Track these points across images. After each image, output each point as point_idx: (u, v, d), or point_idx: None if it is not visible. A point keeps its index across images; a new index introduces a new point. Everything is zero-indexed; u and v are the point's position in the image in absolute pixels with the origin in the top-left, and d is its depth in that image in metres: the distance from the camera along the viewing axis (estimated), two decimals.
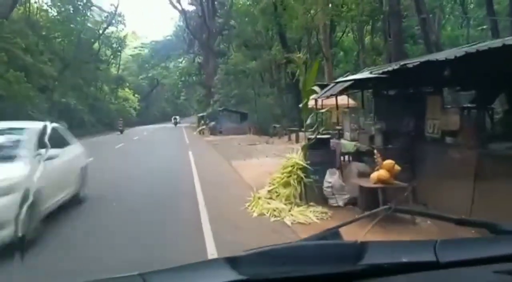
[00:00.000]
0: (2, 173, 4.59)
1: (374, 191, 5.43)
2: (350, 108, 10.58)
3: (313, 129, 7.26)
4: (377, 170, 5.53)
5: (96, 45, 46.67)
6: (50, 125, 6.07)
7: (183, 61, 63.37)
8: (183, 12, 50.11)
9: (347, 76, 9.25)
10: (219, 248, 4.56)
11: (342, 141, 8.37)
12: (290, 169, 6.46)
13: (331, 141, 7.67)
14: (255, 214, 6.04)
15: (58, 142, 6.26)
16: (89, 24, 43.54)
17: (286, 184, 6.40)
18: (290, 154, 7.16)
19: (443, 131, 5.89)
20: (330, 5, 20.65)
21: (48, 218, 5.43)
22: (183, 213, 6.61)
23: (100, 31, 45.60)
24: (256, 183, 8.11)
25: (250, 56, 33.45)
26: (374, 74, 6.33)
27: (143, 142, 26.35)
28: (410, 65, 5.03)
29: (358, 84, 8.12)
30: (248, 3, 32.24)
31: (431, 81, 6.90)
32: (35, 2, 36.87)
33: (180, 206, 7.14)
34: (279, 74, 31.65)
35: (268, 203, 6.20)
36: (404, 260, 0.95)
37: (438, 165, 5.69)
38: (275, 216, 5.84)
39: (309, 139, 6.73)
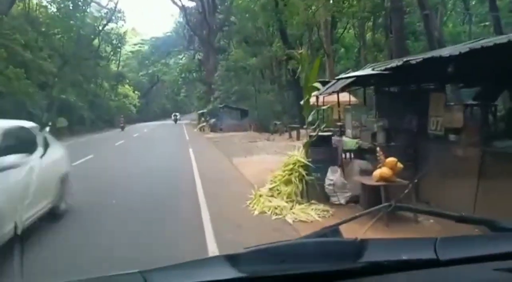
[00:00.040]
0: None
1: (377, 188, 5.38)
2: (351, 105, 10.49)
3: (314, 126, 7.20)
4: (380, 167, 5.47)
5: (96, 41, 46.48)
6: (14, 124, 5.26)
7: (183, 58, 63.20)
8: (183, 8, 49.95)
9: (348, 73, 9.18)
10: (220, 246, 4.52)
11: (344, 138, 8.31)
12: (291, 166, 6.41)
13: (333, 138, 7.61)
14: (256, 212, 6.00)
15: (27, 145, 5.26)
16: (88, 21, 43.35)
17: (288, 182, 6.35)
18: (291, 151, 7.12)
19: (446, 129, 5.82)
20: (331, 1, 20.53)
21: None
22: (184, 211, 6.57)
23: (100, 28, 45.39)
24: (257, 180, 8.07)
25: (250, 53, 33.33)
26: (377, 71, 6.26)
27: (143, 139, 26.32)
28: (413, 62, 4.96)
29: (360, 81, 8.04)
30: None
31: (434, 78, 6.82)
32: None
33: (181, 204, 7.10)
34: (279, 71, 31.54)
35: (270, 201, 6.15)
36: (404, 257, 0.95)
37: (441, 163, 5.64)
38: (277, 214, 5.79)
39: (310, 136, 6.67)
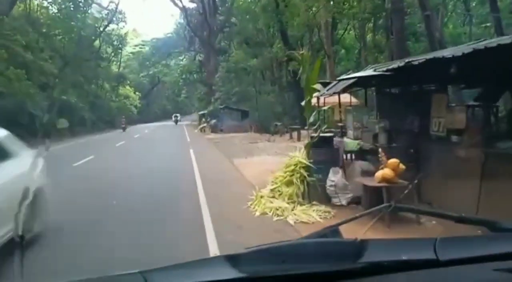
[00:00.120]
0: None
1: (379, 190, 5.36)
2: (353, 106, 10.48)
3: (315, 127, 7.18)
4: (382, 168, 5.45)
5: (96, 42, 46.54)
6: None
7: (184, 59, 63.25)
8: (184, 9, 49.97)
9: (349, 74, 9.17)
10: (221, 247, 4.51)
11: (345, 139, 8.29)
12: (293, 167, 6.38)
13: (334, 139, 7.59)
14: (257, 213, 5.98)
15: None
16: (89, 22, 43.40)
17: (289, 183, 6.33)
18: (291, 152, 7.10)
19: (448, 130, 5.81)
20: (331, 2, 20.54)
21: None
22: (185, 212, 6.55)
23: (101, 29, 45.45)
24: (258, 181, 8.05)
25: (251, 54, 33.35)
26: (378, 72, 6.24)
27: (144, 140, 26.34)
28: (416, 62, 4.95)
29: (361, 82, 8.03)
30: (249, 0, 32.12)
31: (435, 79, 6.80)
32: None
33: (182, 205, 7.09)
34: (280, 72, 31.55)
35: (271, 202, 6.13)
36: (404, 258, 0.95)
37: (443, 164, 5.62)
38: (278, 215, 5.78)
39: (312, 137, 6.66)
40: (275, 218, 5.73)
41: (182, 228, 5.59)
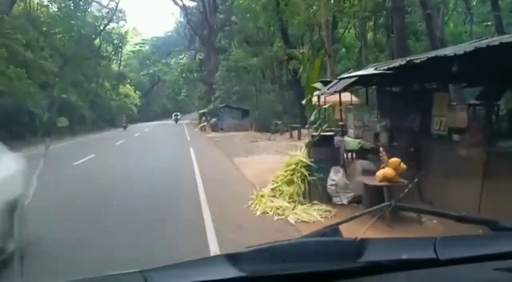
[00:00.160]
0: None
1: (380, 189, 5.33)
2: (353, 105, 10.46)
3: (315, 126, 7.16)
4: (383, 167, 5.43)
5: (97, 41, 46.51)
6: None
7: (184, 58, 63.20)
8: (184, 8, 49.93)
9: (350, 72, 9.14)
10: (222, 247, 4.49)
11: (346, 138, 8.27)
12: (293, 166, 6.37)
13: (335, 138, 7.57)
14: (258, 212, 5.96)
15: None
16: (89, 20, 43.35)
17: (290, 182, 6.31)
18: (292, 151, 7.08)
19: (449, 129, 5.78)
20: (332, 0, 20.48)
21: None
22: (185, 211, 6.54)
23: (101, 27, 45.40)
24: (258, 180, 8.03)
25: (251, 53, 33.30)
26: (379, 70, 6.22)
27: (144, 139, 26.34)
28: (417, 61, 4.92)
29: (362, 81, 8.00)
30: None
31: (437, 78, 6.78)
32: None
33: (182, 205, 7.07)
34: (280, 71, 31.51)
35: (272, 201, 6.11)
36: (404, 257, 0.95)
37: (444, 163, 5.59)
38: (279, 215, 5.76)
39: (312, 136, 6.63)
40: (276, 217, 5.72)
41: (182, 227, 5.58)
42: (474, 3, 26.50)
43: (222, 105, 34.01)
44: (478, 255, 0.95)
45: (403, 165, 5.33)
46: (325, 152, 6.65)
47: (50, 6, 38.55)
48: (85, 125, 37.13)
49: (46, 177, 10.71)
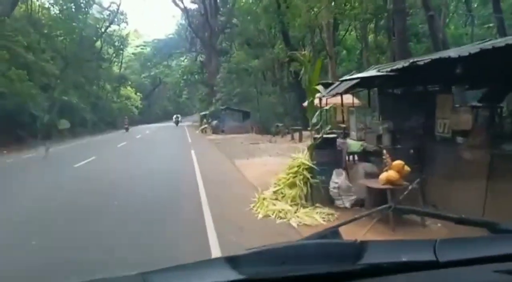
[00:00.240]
0: None
1: (383, 192, 5.28)
2: (355, 107, 10.40)
3: (317, 128, 7.11)
4: (386, 170, 5.38)
5: (98, 43, 46.59)
6: None
7: (185, 60, 63.26)
8: (185, 10, 50.00)
9: (352, 74, 9.10)
10: (223, 250, 4.44)
11: (348, 140, 8.22)
12: (296, 169, 6.31)
13: (337, 140, 7.51)
14: (260, 216, 5.90)
15: None
16: (91, 22, 43.45)
17: (292, 185, 6.26)
18: (293, 153, 7.04)
19: (453, 131, 5.73)
20: (333, 3, 20.48)
21: None
22: (186, 213, 6.49)
23: (102, 30, 45.49)
24: (260, 183, 7.99)
25: (252, 55, 33.29)
26: (382, 72, 6.17)
27: (145, 141, 26.32)
28: (421, 63, 4.87)
29: (364, 83, 7.96)
30: (250, 1, 32.10)
31: (439, 80, 6.74)
32: (37, 0, 36.80)
33: (183, 206, 7.03)
34: (281, 73, 31.49)
35: (274, 204, 6.06)
36: (404, 259, 0.95)
37: (448, 165, 5.54)
38: (281, 218, 5.70)
39: (315, 139, 6.58)
40: (278, 221, 5.66)
41: (183, 229, 5.53)
42: (475, 5, 26.47)
43: (223, 108, 33.96)
44: (478, 257, 0.94)
45: (407, 168, 5.28)
46: (327, 155, 6.60)
47: (52, 8, 38.65)
48: (86, 128, 37.16)
49: (46, 179, 10.75)
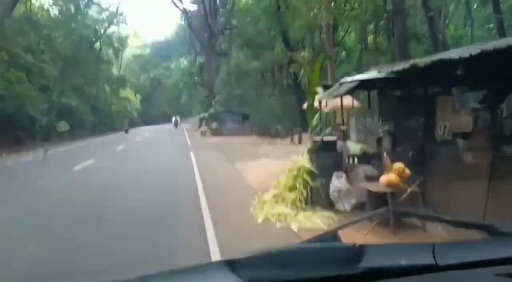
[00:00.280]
0: None
1: (384, 195, 5.23)
2: (355, 109, 10.36)
3: (317, 130, 7.07)
4: (386, 173, 5.32)
5: (97, 44, 46.59)
6: None
7: (185, 61, 63.26)
8: (184, 11, 50.00)
9: (352, 75, 9.04)
10: (223, 254, 4.39)
11: (348, 142, 8.16)
12: (296, 172, 6.26)
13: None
14: (260, 219, 5.85)
15: None
16: (90, 23, 43.46)
17: (292, 188, 6.21)
18: (293, 155, 6.98)
19: (454, 133, 5.68)
20: (333, 3, 20.44)
21: None
22: (185, 217, 6.45)
23: (102, 31, 45.50)
24: (259, 185, 7.94)
25: (252, 56, 33.25)
26: (382, 73, 6.12)
27: (144, 143, 26.28)
28: (422, 64, 4.83)
29: (364, 84, 7.90)
30: (250, 2, 32.09)
31: (440, 81, 6.68)
32: (36, 1, 36.83)
33: (183, 211, 6.98)
34: (281, 75, 31.43)
35: (274, 208, 6.01)
36: (403, 263, 0.95)
37: (449, 168, 5.49)
38: (281, 221, 5.65)
39: (315, 141, 6.53)
40: (278, 224, 5.61)
41: (182, 233, 5.48)
42: (475, 6, 26.47)
43: (222, 110, 33.93)
44: (477, 260, 0.94)
45: (407, 171, 5.22)
46: (327, 157, 6.55)
47: (51, 9, 38.66)
48: (85, 130, 37.11)
49: (42, 183, 10.68)
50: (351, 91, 8.79)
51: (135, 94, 62.21)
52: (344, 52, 31.43)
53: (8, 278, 3.89)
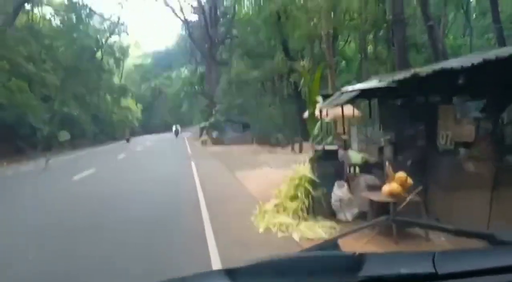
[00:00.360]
0: None
1: (386, 205, 5.19)
2: (355, 118, 10.35)
3: (318, 139, 7.06)
4: (389, 183, 5.30)
5: (99, 54, 46.85)
6: None
7: (185, 71, 63.53)
8: (185, 21, 50.34)
9: (352, 85, 9.06)
10: (225, 265, 4.34)
11: (349, 151, 8.14)
12: (297, 181, 6.23)
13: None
14: (261, 229, 5.80)
15: None
16: (91, 33, 43.75)
17: (293, 197, 6.17)
18: (294, 164, 6.97)
19: (456, 143, 5.67)
20: (332, 14, 20.58)
21: None
22: (187, 226, 6.40)
23: (103, 41, 45.79)
24: (261, 195, 7.90)
25: (252, 66, 33.39)
26: (383, 82, 6.13)
27: (145, 152, 26.28)
28: (423, 73, 4.83)
29: (365, 94, 7.90)
30: (250, 12, 32.30)
31: (441, 90, 6.68)
32: (38, 11, 37.12)
33: (183, 219, 6.94)
34: (281, 84, 31.52)
35: (275, 217, 5.97)
36: (403, 271, 0.94)
37: (452, 178, 5.46)
38: (282, 231, 5.61)
39: (316, 150, 6.51)
40: (279, 234, 5.56)
41: (183, 244, 5.43)
42: (474, 16, 26.65)
43: (223, 119, 33.97)
44: (477, 269, 0.93)
45: (409, 180, 5.20)
46: (329, 166, 6.52)
47: (53, 19, 38.95)
48: (86, 139, 37.13)
49: (42, 194, 10.66)
50: (352, 101, 8.82)
51: (136, 104, 62.38)
52: (344, 62, 31.58)
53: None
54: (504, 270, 0.92)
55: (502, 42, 14.59)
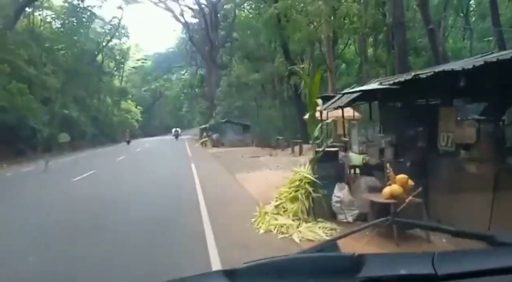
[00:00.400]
0: None
1: (386, 206, 5.18)
2: (356, 121, 10.37)
3: (318, 141, 7.05)
4: (389, 184, 5.29)
5: (99, 57, 46.93)
6: None
7: (186, 74, 63.63)
8: (186, 24, 50.47)
9: (353, 88, 9.08)
10: (224, 267, 4.33)
11: (350, 153, 8.15)
12: (297, 183, 6.22)
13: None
14: (261, 231, 5.79)
15: None
16: (92, 36, 43.85)
17: (294, 199, 6.15)
18: (294, 166, 6.96)
19: (457, 145, 5.66)
20: (332, 17, 20.64)
21: None
22: (187, 228, 6.38)
23: (104, 44, 45.88)
24: (261, 196, 7.88)
25: (252, 68, 33.46)
26: (384, 85, 6.14)
27: (145, 154, 26.27)
28: (424, 76, 4.84)
29: (365, 96, 7.93)
30: (250, 15, 32.41)
31: (442, 92, 6.69)
32: (39, 14, 37.18)
33: (183, 221, 6.92)
34: (281, 87, 31.59)
35: (275, 219, 5.95)
36: (402, 272, 0.94)
37: (453, 179, 5.46)
38: (283, 233, 5.59)
39: (316, 152, 6.50)
40: (280, 236, 5.55)
41: (184, 246, 5.42)
42: (474, 19, 26.70)
43: (223, 121, 34.00)
44: (477, 270, 0.93)
45: (410, 182, 5.19)
46: (329, 168, 6.51)
47: (53, 22, 39.02)
48: (86, 141, 37.14)
49: (42, 195, 10.65)
50: (352, 103, 8.85)
51: (136, 106, 62.43)
52: (344, 65, 31.63)
53: None
54: (504, 271, 0.92)
55: (502, 45, 14.62)
